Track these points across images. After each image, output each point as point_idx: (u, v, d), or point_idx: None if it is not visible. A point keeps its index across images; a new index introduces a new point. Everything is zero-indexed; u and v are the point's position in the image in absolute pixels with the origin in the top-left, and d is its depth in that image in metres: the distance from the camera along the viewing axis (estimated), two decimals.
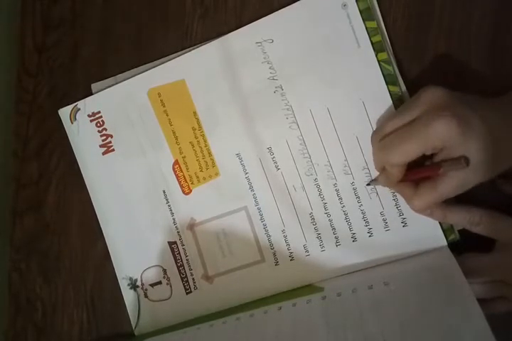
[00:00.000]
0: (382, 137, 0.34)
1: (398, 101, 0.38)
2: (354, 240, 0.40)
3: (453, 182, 0.33)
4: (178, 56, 0.42)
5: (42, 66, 0.46)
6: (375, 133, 0.36)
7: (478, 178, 0.32)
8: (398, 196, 0.38)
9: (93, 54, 0.45)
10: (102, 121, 0.44)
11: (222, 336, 0.38)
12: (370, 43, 0.38)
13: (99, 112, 0.44)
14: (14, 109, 0.47)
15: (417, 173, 0.35)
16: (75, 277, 0.45)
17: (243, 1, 0.43)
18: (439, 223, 0.38)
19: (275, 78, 0.40)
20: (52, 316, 0.46)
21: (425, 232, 0.38)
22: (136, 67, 0.44)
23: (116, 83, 0.44)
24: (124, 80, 0.43)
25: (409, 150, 0.32)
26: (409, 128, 0.32)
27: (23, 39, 0.46)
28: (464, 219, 0.35)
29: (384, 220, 0.39)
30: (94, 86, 0.45)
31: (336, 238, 0.40)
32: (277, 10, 0.41)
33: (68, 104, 0.45)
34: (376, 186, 0.39)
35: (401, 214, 0.39)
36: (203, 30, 0.43)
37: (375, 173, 0.39)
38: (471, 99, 0.33)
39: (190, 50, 0.42)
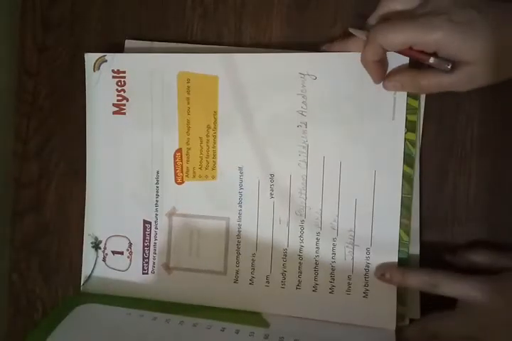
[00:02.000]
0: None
1: (407, 183, 0.38)
2: (314, 290, 0.40)
3: (434, 79, 0.34)
4: (224, 52, 0.41)
5: (42, 66, 0.46)
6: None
7: (461, 86, 0.34)
8: (370, 268, 0.39)
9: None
10: (124, 81, 0.43)
11: (160, 334, 0.38)
12: (404, 120, 0.38)
13: (124, 72, 0.42)
14: (14, 109, 0.47)
15: (409, 52, 0.35)
16: (75, 277, 0.45)
17: (243, 1, 0.42)
18: (397, 306, 0.38)
19: (304, 114, 0.40)
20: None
21: (380, 310, 0.39)
22: None
23: (152, 48, 0.43)
24: (160, 51, 0.42)
25: (409, 33, 0.33)
26: (415, 19, 0.33)
27: (23, 39, 0.46)
28: (424, 281, 0.36)
29: (348, 284, 0.40)
30: (128, 42, 0.44)
31: (299, 281, 0.41)
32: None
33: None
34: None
35: (366, 285, 0.39)
36: (203, 30, 0.43)
37: (359, 238, 0.39)
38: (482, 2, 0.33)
39: (240, 51, 0.42)
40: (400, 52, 0.35)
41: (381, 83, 0.37)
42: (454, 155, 0.39)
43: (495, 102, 0.39)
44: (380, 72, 0.37)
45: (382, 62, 0.37)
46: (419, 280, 0.36)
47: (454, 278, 0.35)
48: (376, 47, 0.34)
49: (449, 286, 0.35)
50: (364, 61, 0.36)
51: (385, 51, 0.35)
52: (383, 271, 0.38)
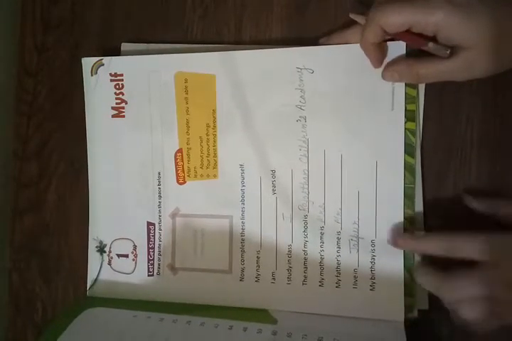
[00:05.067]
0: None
1: (409, 173, 0.38)
2: (321, 285, 0.40)
3: (432, 67, 0.34)
4: (219, 50, 0.41)
5: (42, 66, 0.46)
6: None
7: (459, 74, 0.34)
8: (376, 260, 0.39)
9: (93, 54, 0.45)
10: (122, 84, 0.43)
11: (168, 335, 0.38)
12: (403, 110, 0.38)
13: (121, 75, 0.43)
14: (14, 109, 0.47)
15: (407, 36, 0.34)
16: (75, 277, 0.45)
17: (243, 0, 0.43)
18: (404, 298, 0.38)
19: (302, 108, 0.40)
20: (52, 316, 0.46)
21: (388, 303, 0.39)
22: None
23: (148, 50, 0.43)
24: (156, 53, 0.42)
25: (409, 13, 0.33)
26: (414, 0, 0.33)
27: (23, 39, 0.46)
28: (440, 246, 0.35)
29: (355, 277, 0.40)
30: (124, 45, 0.44)
31: (305, 277, 0.40)
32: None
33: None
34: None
35: (373, 277, 0.39)
36: (203, 30, 0.43)
37: (363, 230, 0.39)
38: None
39: (235, 48, 0.41)
40: (399, 35, 0.35)
41: (379, 74, 0.37)
42: (454, 157, 0.39)
43: (495, 100, 0.39)
44: (380, 56, 0.37)
45: (382, 47, 0.37)
46: (434, 245, 0.35)
47: (471, 237, 0.34)
48: (376, 28, 0.34)
49: (468, 247, 0.33)
50: (364, 44, 0.36)
51: (384, 33, 0.35)
52: (396, 238, 0.38)
